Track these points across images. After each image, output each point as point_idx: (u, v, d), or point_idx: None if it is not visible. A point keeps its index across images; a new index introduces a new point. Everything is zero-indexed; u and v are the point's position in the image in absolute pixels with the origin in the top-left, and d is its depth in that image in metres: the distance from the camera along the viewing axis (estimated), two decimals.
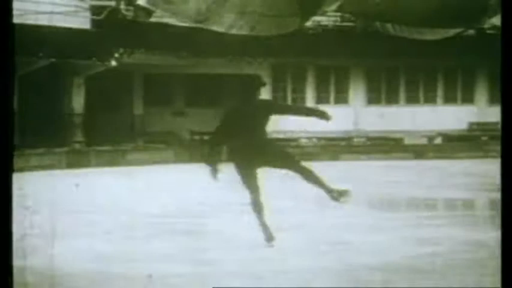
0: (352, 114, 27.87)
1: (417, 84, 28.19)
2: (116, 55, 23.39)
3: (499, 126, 26.34)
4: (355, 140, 26.97)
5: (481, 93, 28.35)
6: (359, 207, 12.99)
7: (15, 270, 4.57)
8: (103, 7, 22.40)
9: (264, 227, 8.50)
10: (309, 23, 23.04)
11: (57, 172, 17.89)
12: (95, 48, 22.66)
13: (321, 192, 14.63)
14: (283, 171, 8.78)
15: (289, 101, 27.73)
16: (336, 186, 8.52)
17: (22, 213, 9.80)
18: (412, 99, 28.26)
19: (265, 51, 24.36)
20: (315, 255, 8.14)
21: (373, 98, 28.12)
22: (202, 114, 24.80)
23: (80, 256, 8.00)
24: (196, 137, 24.63)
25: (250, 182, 8.53)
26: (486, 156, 22.49)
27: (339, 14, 23.85)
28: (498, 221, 9.07)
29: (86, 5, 21.90)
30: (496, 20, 11.72)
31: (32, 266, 7.33)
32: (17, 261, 4.71)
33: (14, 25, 4.50)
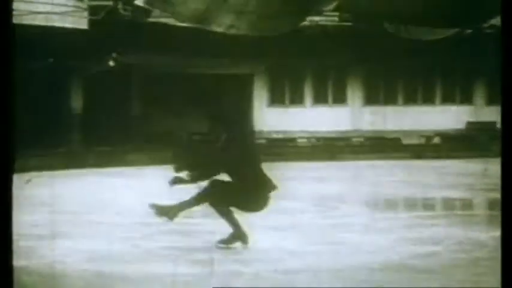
0: (350, 114, 27.89)
1: (415, 84, 28.21)
2: (114, 55, 23.38)
3: (497, 125, 26.43)
4: (354, 139, 26.99)
5: (479, 93, 28.38)
6: (357, 207, 13.01)
7: (14, 271, 4.57)
8: (101, 7, 22.39)
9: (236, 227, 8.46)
10: (307, 23, 23.04)
11: (55, 172, 17.88)
12: (93, 49, 22.65)
13: (320, 193, 14.64)
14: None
15: (287, 101, 27.75)
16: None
17: (21, 213, 9.80)
18: (410, 99, 28.28)
19: (264, 51, 24.37)
20: (313, 255, 8.15)
21: (371, 98, 28.14)
22: (200, 115, 24.80)
23: (79, 256, 8.00)
24: (195, 138, 24.63)
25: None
26: (484, 156, 22.48)
27: (337, 13, 23.85)
28: (496, 220, 9.09)
29: (83, 5, 21.89)
30: (495, 20, 11.73)
31: (31, 267, 7.34)
32: (16, 262, 4.71)
33: (14, 26, 4.50)
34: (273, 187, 8.52)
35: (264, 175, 8.54)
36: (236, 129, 8.59)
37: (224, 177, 8.49)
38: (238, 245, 8.36)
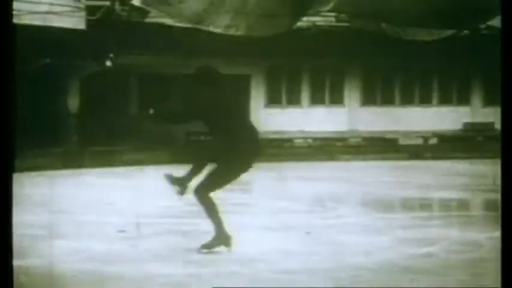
0: (348, 114, 27.90)
1: (412, 84, 28.22)
2: (111, 55, 23.36)
3: (495, 126, 26.41)
4: (351, 140, 26.99)
5: (477, 94, 28.40)
6: (354, 208, 13.02)
7: (13, 271, 4.58)
8: (98, 7, 22.37)
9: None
10: (304, 23, 23.05)
11: (54, 172, 17.88)
12: (90, 49, 22.63)
13: (317, 194, 14.66)
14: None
15: (284, 102, 27.75)
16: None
17: (21, 213, 9.79)
18: (407, 100, 28.30)
19: (261, 51, 24.36)
20: (311, 256, 8.16)
21: (368, 99, 28.15)
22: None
23: (76, 256, 8.01)
24: (193, 138, 24.62)
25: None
26: (481, 157, 22.50)
27: (333, 14, 23.85)
28: (493, 221, 9.10)
29: (81, 5, 21.87)
30: (492, 21, 11.77)
31: (29, 267, 7.34)
32: (15, 262, 4.72)
33: (14, 26, 4.51)
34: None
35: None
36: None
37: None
38: (222, 248, 8.19)
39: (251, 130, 8.38)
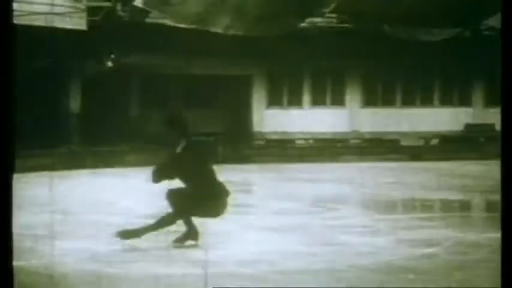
0: (349, 115, 27.90)
1: (414, 85, 28.22)
2: (113, 56, 23.39)
3: (496, 127, 26.42)
4: (352, 141, 26.99)
5: (478, 95, 28.39)
6: (355, 209, 13.03)
7: (14, 271, 4.58)
8: (99, 8, 22.40)
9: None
10: (305, 24, 23.05)
11: (54, 173, 17.87)
12: (92, 49, 22.66)
13: (319, 195, 14.65)
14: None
15: (285, 103, 27.76)
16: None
17: (21, 213, 9.80)
18: (408, 101, 28.29)
19: (262, 52, 24.38)
20: (312, 256, 8.16)
21: (369, 100, 28.15)
22: (199, 115, 24.82)
23: (77, 257, 8.02)
24: (194, 138, 24.60)
25: None
26: (483, 158, 22.50)
27: (335, 15, 23.86)
28: (494, 222, 9.10)
29: (82, 6, 21.89)
30: (493, 22, 11.78)
31: (31, 267, 7.35)
32: (16, 262, 4.72)
33: (14, 26, 4.52)
34: (226, 193, 8.61)
35: (218, 182, 8.63)
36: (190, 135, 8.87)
37: (179, 183, 8.67)
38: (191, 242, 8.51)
39: (221, 189, 8.62)
